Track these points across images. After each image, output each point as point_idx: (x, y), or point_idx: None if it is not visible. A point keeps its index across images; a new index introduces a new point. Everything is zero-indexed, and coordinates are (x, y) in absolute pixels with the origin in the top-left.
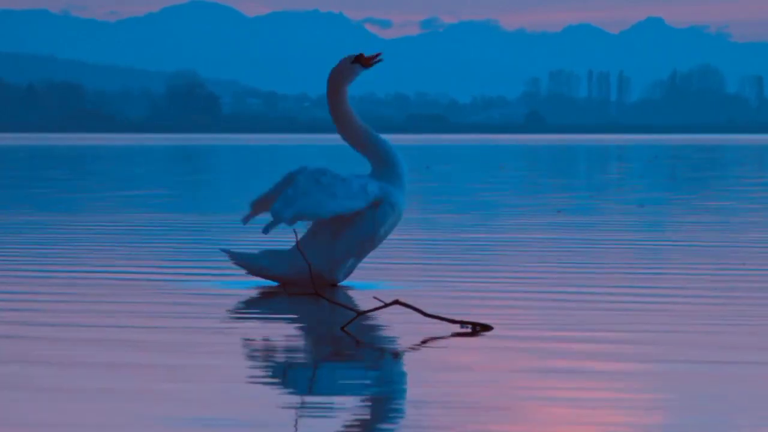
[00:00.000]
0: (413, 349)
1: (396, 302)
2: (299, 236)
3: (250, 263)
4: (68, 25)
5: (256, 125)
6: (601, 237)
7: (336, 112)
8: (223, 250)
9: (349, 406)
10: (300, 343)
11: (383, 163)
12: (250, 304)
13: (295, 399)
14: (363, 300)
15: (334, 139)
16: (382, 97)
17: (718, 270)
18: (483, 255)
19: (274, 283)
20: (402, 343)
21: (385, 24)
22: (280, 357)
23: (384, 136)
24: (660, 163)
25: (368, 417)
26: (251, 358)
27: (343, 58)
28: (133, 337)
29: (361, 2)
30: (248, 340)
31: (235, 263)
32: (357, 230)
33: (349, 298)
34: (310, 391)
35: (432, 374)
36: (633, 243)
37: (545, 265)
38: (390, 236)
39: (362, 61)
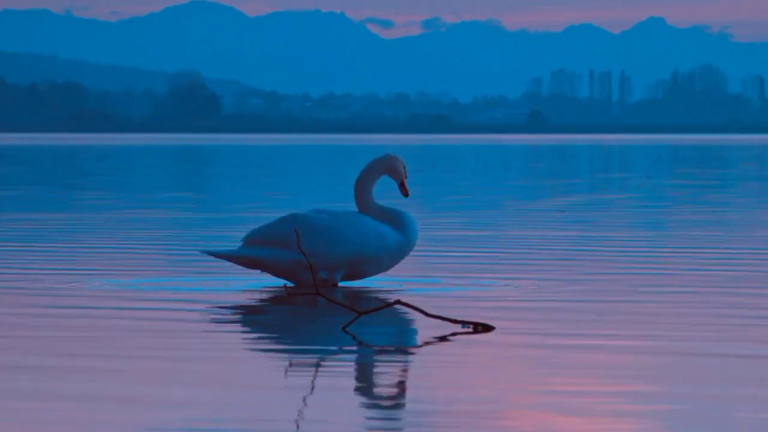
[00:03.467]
0: (414, 349)
1: (397, 302)
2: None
3: (238, 254)
4: (70, 25)
5: (257, 125)
6: (604, 237)
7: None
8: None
9: (351, 406)
10: (301, 343)
11: (398, 223)
12: (250, 305)
13: (296, 399)
14: (364, 300)
15: (336, 139)
16: (383, 97)
17: (725, 271)
18: (485, 255)
19: (274, 284)
20: (403, 343)
21: (387, 24)
22: (281, 357)
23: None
24: (664, 163)
25: (369, 416)
26: (252, 358)
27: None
28: (133, 339)
29: (362, 2)
30: (249, 340)
31: (221, 258)
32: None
33: (351, 297)
34: (312, 391)
35: (433, 374)
36: (637, 243)
37: (547, 265)
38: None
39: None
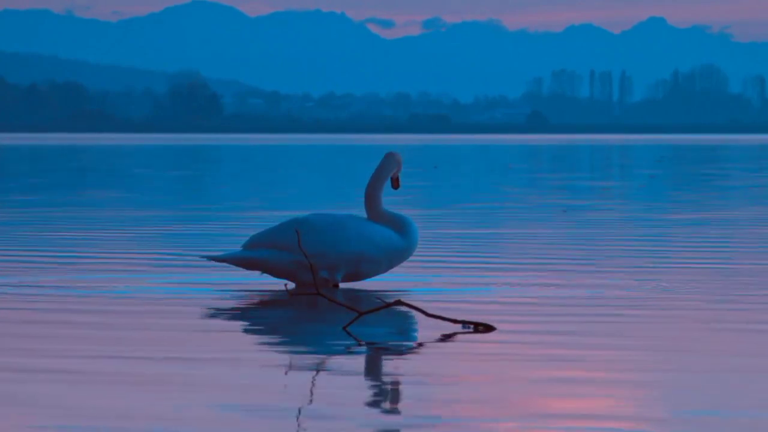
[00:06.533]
0: (414, 349)
1: (398, 302)
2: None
3: (240, 256)
4: (70, 25)
5: (258, 125)
6: (606, 237)
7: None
8: (206, 257)
9: (351, 406)
10: (301, 343)
11: (400, 228)
12: (250, 305)
13: (297, 399)
14: (365, 300)
15: (336, 139)
16: (384, 96)
17: (725, 273)
18: (486, 254)
19: (274, 284)
20: (403, 344)
21: (388, 24)
22: (282, 356)
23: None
24: (667, 163)
25: (370, 416)
26: (252, 357)
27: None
28: (132, 339)
29: (363, 2)
30: (249, 340)
31: (223, 261)
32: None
33: (351, 298)
34: (312, 391)
35: (433, 374)
36: (639, 243)
37: (549, 265)
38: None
39: (394, 184)
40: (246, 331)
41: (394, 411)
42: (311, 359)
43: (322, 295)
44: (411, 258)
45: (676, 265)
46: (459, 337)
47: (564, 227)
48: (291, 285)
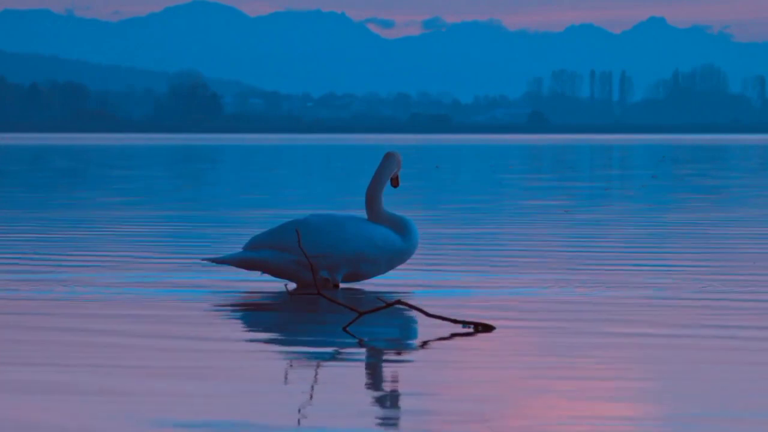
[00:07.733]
0: (415, 349)
1: (398, 302)
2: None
3: (240, 257)
4: (71, 25)
5: (258, 125)
6: (607, 236)
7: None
8: (206, 260)
9: (351, 406)
10: (301, 343)
11: (400, 229)
12: (250, 305)
13: (297, 398)
14: (365, 300)
15: (337, 139)
16: (384, 96)
17: (726, 272)
18: (486, 255)
19: (274, 284)
20: (403, 344)
21: (388, 24)
22: (282, 356)
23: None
24: (668, 163)
25: (369, 416)
26: (252, 357)
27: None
28: (132, 339)
29: (363, 2)
30: (249, 340)
31: (223, 263)
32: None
33: (351, 298)
34: (312, 391)
35: (433, 374)
36: (639, 242)
37: (549, 264)
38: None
39: (393, 183)
40: (246, 331)
41: (394, 411)
42: (311, 359)
43: (322, 295)
44: (411, 258)
45: (677, 265)
46: (459, 337)
47: (565, 227)
48: (291, 285)
